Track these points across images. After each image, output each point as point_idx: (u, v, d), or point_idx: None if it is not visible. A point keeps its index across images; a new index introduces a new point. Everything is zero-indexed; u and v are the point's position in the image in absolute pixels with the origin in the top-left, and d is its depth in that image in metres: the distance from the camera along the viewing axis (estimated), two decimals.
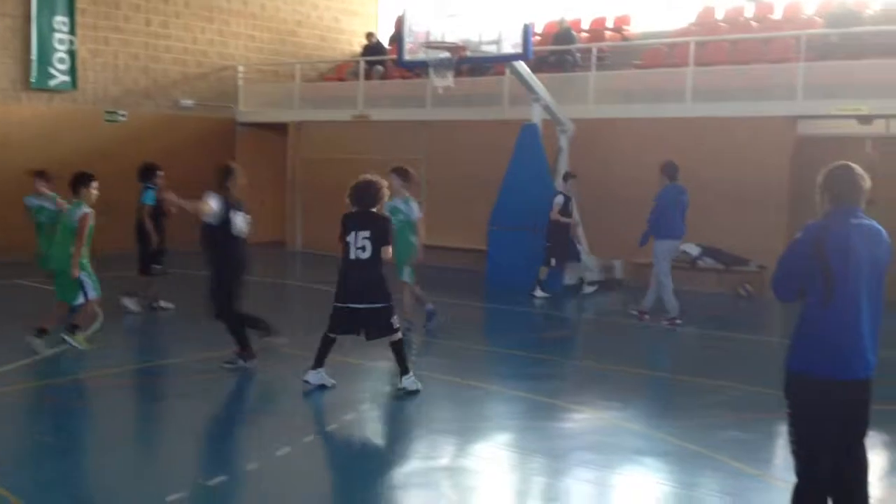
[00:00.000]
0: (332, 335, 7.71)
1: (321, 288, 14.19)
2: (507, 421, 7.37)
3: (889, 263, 4.48)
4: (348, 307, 7.55)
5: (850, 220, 4.32)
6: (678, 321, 11.27)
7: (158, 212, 11.30)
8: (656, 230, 11.34)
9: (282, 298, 14.68)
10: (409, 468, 6.06)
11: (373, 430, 7.02)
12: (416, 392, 7.62)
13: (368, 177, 7.86)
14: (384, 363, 8.89)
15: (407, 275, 10.30)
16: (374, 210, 7.69)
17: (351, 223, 7.62)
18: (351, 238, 7.52)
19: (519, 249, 13.93)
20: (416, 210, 10.29)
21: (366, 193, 7.70)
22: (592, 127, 14.87)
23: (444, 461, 6.31)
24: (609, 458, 6.28)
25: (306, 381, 7.75)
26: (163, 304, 11.70)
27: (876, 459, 5.15)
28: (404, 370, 7.74)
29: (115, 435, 6.78)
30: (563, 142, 14.62)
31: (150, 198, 11.21)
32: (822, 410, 4.31)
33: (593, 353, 10.15)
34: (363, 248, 7.45)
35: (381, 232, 7.52)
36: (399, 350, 7.71)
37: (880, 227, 4.44)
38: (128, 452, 6.30)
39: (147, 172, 11.47)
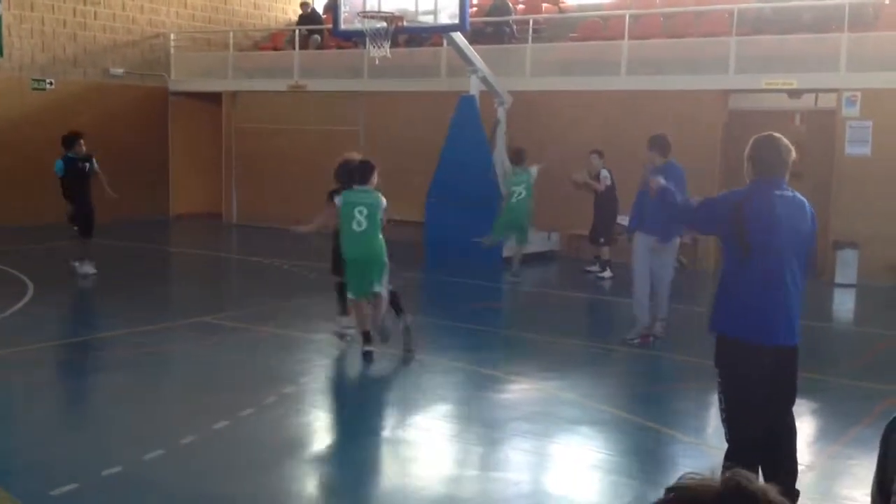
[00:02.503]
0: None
1: (256, 260, 14.08)
2: (445, 392, 7.43)
3: (813, 234, 4.62)
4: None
5: (773, 190, 4.43)
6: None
7: (78, 179, 11.66)
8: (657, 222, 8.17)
9: (217, 272, 14.50)
10: (345, 440, 6.07)
11: (311, 402, 7.01)
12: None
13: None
14: (323, 335, 8.89)
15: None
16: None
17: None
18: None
19: (456, 221, 13.96)
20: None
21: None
22: (530, 99, 14.92)
23: (384, 433, 6.34)
24: (546, 428, 6.37)
25: (346, 328, 8.27)
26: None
27: (803, 426, 5.32)
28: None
29: (50, 408, 6.67)
30: (501, 114, 14.64)
31: (58, 167, 11.61)
32: (751, 376, 4.43)
33: (530, 324, 10.25)
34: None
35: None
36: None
37: (804, 199, 4.56)
38: (62, 425, 6.20)
39: (69, 141, 11.72)
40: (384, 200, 7.79)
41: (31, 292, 10.46)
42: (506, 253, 14.00)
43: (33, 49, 17.68)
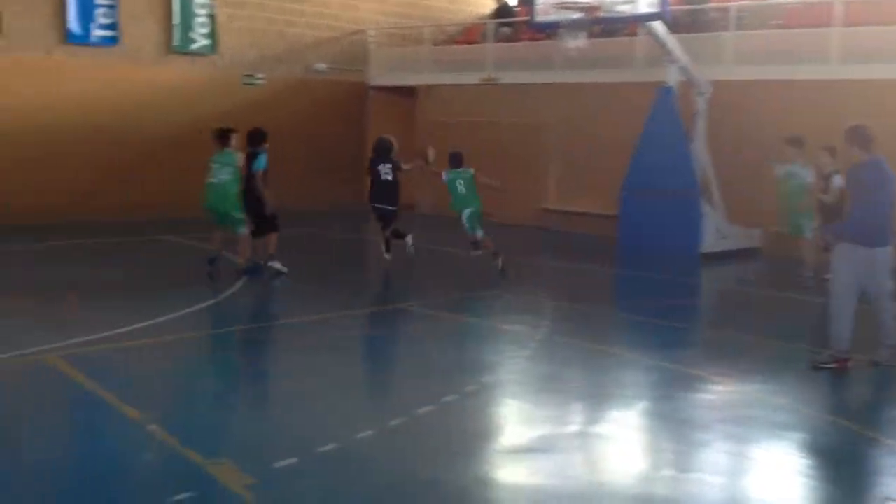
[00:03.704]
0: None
1: (449, 250, 14.32)
2: (644, 389, 7.29)
3: None
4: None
5: None
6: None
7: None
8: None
9: (411, 261, 14.86)
10: (543, 431, 6.07)
11: (508, 391, 7.06)
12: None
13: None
14: (519, 326, 8.97)
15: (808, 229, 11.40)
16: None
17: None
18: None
19: (652, 215, 13.68)
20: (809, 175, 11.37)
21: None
22: (731, 89, 14.38)
23: (575, 427, 6.29)
24: (750, 431, 6.13)
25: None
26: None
27: None
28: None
29: (264, 385, 7.06)
30: (701, 104, 14.21)
31: (262, 163, 11.15)
32: None
33: (731, 323, 9.89)
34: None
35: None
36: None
37: None
38: (277, 402, 6.55)
39: (259, 137, 11.31)
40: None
41: (243, 278, 11.08)
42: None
43: (244, 46, 18.72)
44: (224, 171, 10.87)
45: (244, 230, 11.04)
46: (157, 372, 7.36)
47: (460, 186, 12.18)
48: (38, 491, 4.86)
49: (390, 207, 12.49)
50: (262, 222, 11.29)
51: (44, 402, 6.46)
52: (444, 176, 12.36)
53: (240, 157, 11.03)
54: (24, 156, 15.56)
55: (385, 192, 12.43)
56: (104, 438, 5.67)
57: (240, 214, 10.97)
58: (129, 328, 8.28)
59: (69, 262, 12.36)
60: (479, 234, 12.05)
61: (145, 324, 8.46)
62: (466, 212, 12.09)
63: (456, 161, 12.38)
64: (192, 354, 8.12)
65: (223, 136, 11.02)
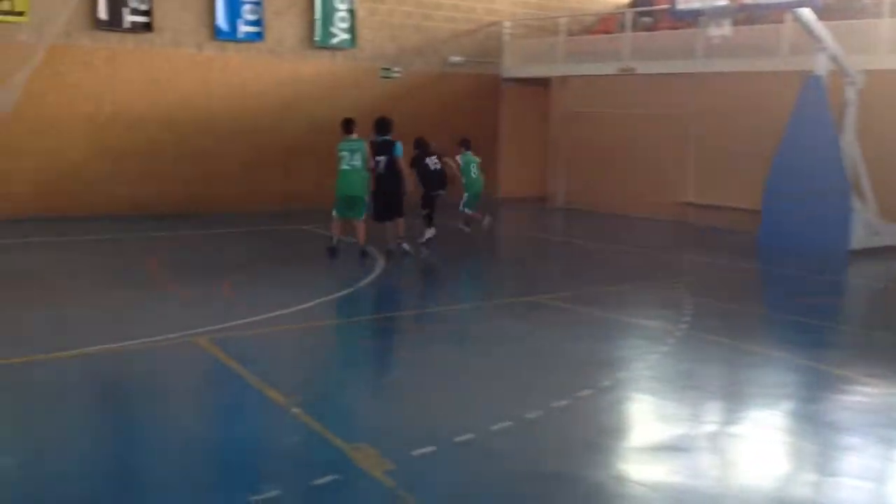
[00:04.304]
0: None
1: (581, 243, 14.21)
2: (786, 389, 7.02)
3: None
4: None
5: None
6: None
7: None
8: None
9: (544, 253, 14.81)
10: (677, 430, 5.94)
11: (645, 388, 6.94)
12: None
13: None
14: (654, 322, 8.82)
15: None
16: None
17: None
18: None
19: (797, 210, 13.16)
20: None
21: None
22: (885, 79, 13.67)
23: (714, 426, 6.12)
24: None
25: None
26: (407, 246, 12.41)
27: None
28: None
29: (400, 373, 7.20)
30: (851, 94, 13.57)
31: (400, 150, 11.87)
32: None
33: (881, 323, 9.42)
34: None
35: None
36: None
37: None
38: (415, 390, 6.66)
39: (388, 125, 11.85)
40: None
41: (380, 267, 11.32)
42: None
43: (383, 40, 19.06)
44: (355, 158, 11.48)
45: (363, 216, 11.76)
46: (300, 356, 7.62)
47: (474, 170, 14.32)
48: (190, 466, 5.11)
49: (443, 193, 13.70)
50: (394, 208, 11.90)
51: (193, 384, 6.79)
52: (461, 160, 14.35)
53: (366, 144, 11.57)
54: (183, 147, 16.39)
55: (438, 181, 13.51)
56: (251, 420, 5.90)
57: (366, 199, 11.69)
58: (275, 313, 8.58)
59: (219, 248, 12.97)
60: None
61: (290, 310, 8.76)
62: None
63: (468, 145, 14.54)
64: (332, 340, 8.36)
65: (348, 124, 11.67)
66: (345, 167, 11.46)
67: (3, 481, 4.82)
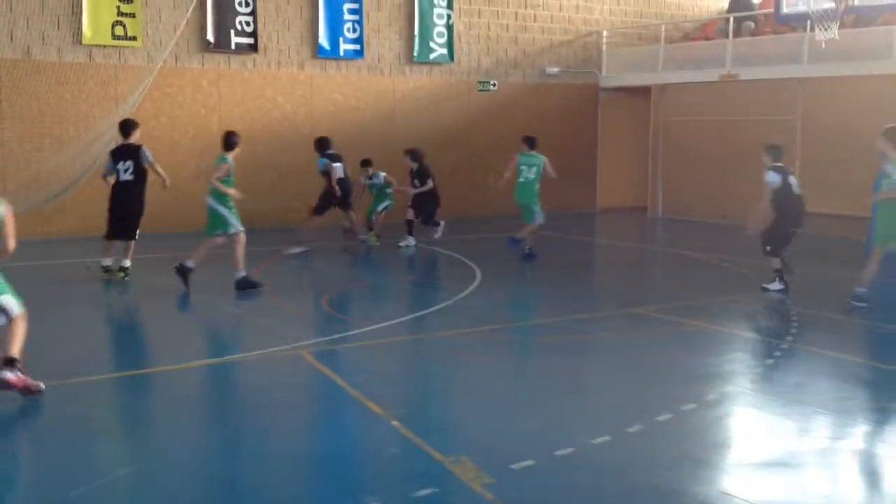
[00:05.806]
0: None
1: (684, 253, 13.95)
2: None
3: None
4: None
5: None
6: None
7: None
8: None
9: (645, 264, 14.62)
10: (784, 446, 5.77)
11: (751, 402, 6.77)
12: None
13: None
14: (763, 335, 8.61)
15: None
16: None
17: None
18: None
19: None
20: None
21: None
22: None
23: (824, 442, 5.92)
24: None
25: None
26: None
27: None
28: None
29: (500, 386, 7.21)
30: None
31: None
32: None
33: None
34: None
35: None
36: None
37: None
38: (515, 403, 6.66)
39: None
40: None
41: (478, 279, 11.37)
42: None
43: (479, 53, 19.17)
44: (531, 171, 13.03)
45: (537, 221, 13.15)
46: (398, 369, 7.71)
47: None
48: (294, 478, 5.23)
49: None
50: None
51: (297, 395, 6.95)
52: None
53: (545, 160, 13.08)
54: (285, 163, 16.82)
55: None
56: (352, 431, 6.01)
57: (538, 207, 13.06)
58: (374, 327, 8.72)
59: (333, 263, 13.29)
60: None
61: (390, 322, 8.90)
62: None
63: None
64: (431, 353, 8.42)
65: (530, 140, 13.30)
66: (520, 179, 13.04)
67: (121, 487, 5.03)
